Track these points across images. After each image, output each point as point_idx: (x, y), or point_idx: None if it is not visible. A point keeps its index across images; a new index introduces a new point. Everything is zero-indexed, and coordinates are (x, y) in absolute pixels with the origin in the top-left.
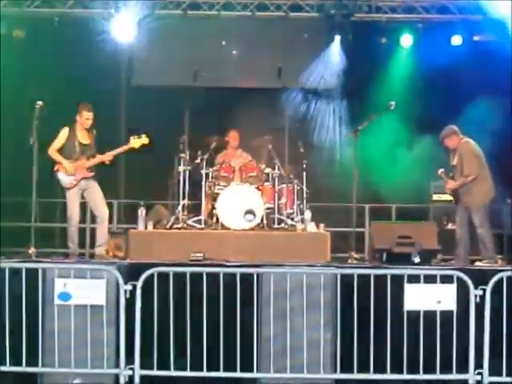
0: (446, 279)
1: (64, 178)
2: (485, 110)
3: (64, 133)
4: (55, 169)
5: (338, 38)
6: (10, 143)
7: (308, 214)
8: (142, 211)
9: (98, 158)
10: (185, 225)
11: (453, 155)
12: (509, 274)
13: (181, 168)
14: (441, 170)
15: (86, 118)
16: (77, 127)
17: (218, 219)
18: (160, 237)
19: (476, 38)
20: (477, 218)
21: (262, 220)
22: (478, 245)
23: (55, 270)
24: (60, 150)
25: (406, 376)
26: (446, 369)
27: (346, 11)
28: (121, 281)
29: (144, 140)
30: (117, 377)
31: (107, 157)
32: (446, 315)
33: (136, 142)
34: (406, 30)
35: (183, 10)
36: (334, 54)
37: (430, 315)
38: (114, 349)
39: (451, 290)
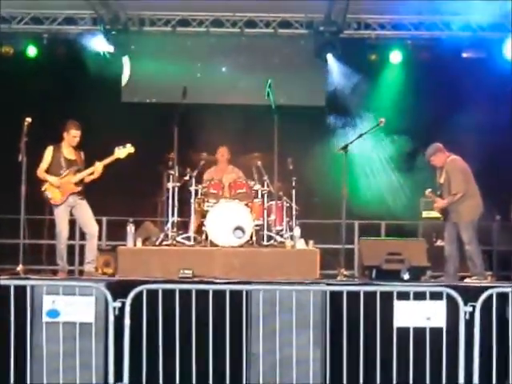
0: (436, 296)
1: (53, 194)
2: (474, 125)
3: (49, 152)
4: (43, 189)
5: (329, 56)
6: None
7: (297, 231)
8: (130, 228)
9: (85, 172)
10: (174, 242)
11: (440, 173)
12: (498, 290)
13: (170, 185)
14: (428, 190)
15: (73, 135)
16: (62, 144)
17: (207, 236)
18: (149, 253)
19: (465, 55)
20: (465, 234)
21: (251, 237)
22: (467, 261)
23: (44, 287)
24: (47, 170)
25: None
26: None
27: (335, 28)
28: (109, 298)
29: (129, 149)
30: None
31: (93, 169)
32: (436, 332)
33: (121, 152)
34: (396, 46)
35: (172, 27)
36: (327, 70)
37: (419, 332)
38: (102, 366)
39: (441, 306)
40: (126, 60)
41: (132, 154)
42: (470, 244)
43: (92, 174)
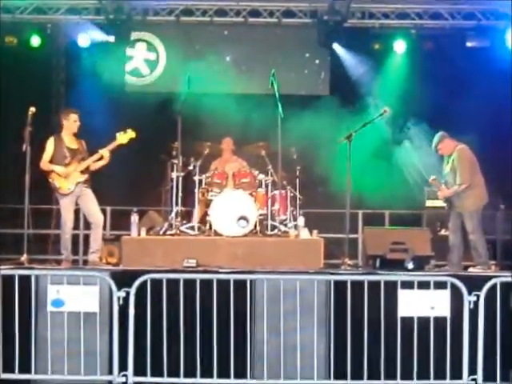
0: (440, 285)
1: (61, 183)
2: (479, 114)
3: (50, 142)
4: (50, 179)
5: (336, 45)
6: (1, 149)
7: (301, 220)
8: (135, 217)
9: (90, 159)
10: (178, 231)
11: (446, 161)
12: (502, 279)
13: (174, 174)
14: (432, 177)
15: (73, 119)
16: (63, 133)
17: (211, 225)
18: (153, 243)
19: (469, 44)
20: (469, 224)
21: (255, 226)
22: (471, 251)
23: (48, 276)
24: (51, 160)
25: (399, 382)
26: (439, 375)
27: (339, 17)
28: (114, 287)
29: (131, 134)
30: (110, 383)
31: (100, 155)
32: (440, 321)
33: (123, 137)
34: (400, 36)
35: (176, 16)
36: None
37: (423, 321)
38: (107, 355)
39: (445, 296)
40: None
41: (134, 139)
42: (474, 233)
43: (100, 159)
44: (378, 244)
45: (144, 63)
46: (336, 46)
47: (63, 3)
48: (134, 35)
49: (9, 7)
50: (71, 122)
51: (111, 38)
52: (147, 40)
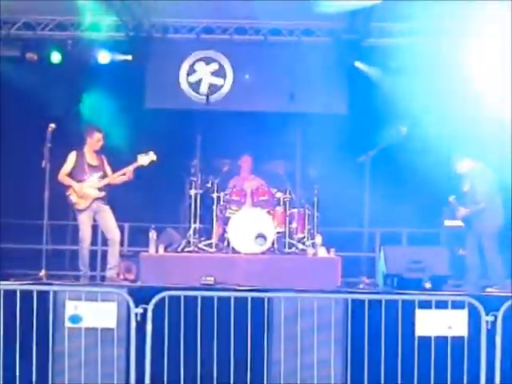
0: (457, 305)
1: (77, 199)
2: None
3: (72, 157)
4: (67, 194)
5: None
6: (22, 165)
7: (319, 239)
8: (153, 234)
9: (109, 179)
10: (196, 248)
11: (465, 181)
12: None
13: (192, 191)
14: (451, 197)
15: (97, 139)
16: (85, 149)
17: (229, 243)
18: (171, 260)
19: None
20: (488, 244)
21: (272, 244)
22: (488, 270)
23: (66, 292)
24: (70, 175)
25: None
26: None
27: (358, 36)
28: (132, 304)
29: (152, 157)
30: None
31: (117, 176)
32: (457, 341)
33: (144, 159)
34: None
35: (196, 34)
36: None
37: (441, 341)
38: (124, 372)
39: (462, 315)
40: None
41: (154, 161)
42: (492, 252)
43: (123, 175)
44: (395, 263)
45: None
46: (357, 64)
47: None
48: (200, 54)
49: (30, 23)
50: (95, 141)
51: (129, 57)
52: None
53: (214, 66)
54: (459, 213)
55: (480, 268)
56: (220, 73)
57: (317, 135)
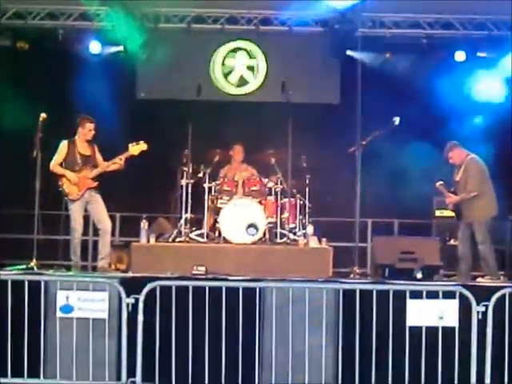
0: (449, 295)
1: (70, 189)
2: (488, 124)
3: (63, 146)
4: (60, 183)
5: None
6: (13, 155)
7: (310, 229)
8: (144, 224)
9: (101, 168)
10: (187, 238)
11: (457, 171)
12: (511, 290)
13: (183, 181)
14: (439, 183)
15: (89, 129)
16: (77, 139)
17: (220, 233)
18: (162, 250)
19: (480, 54)
20: (479, 234)
21: (264, 234)
22: (480, 261)
23: (57, 282)
24: (61, 165)
25: None
26: None
27: (350, 26)
28: (123, 294)
29: (142, 146)
30: None
31: (109, 165)
32: (448, 331)
33: (135, 148)
34: (411, 45)
35: (187, 24)
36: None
37: (432, 331)
38: (115, 361)
39: (453, 306)
40: (140, 56)
41: (145, 150)
42: (483, 244)
43: (114, 164)
44: (387, 253)
45: (248, 71)
46: (349, 52)
47: (75, 9)
48: (234, 44)
49: (21, 12)
50: (86, 131)
51: (120, 47)
52: (246, 48)
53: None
54: (449, 199)
55: (471, 258)
56: None
57: (308, 125)
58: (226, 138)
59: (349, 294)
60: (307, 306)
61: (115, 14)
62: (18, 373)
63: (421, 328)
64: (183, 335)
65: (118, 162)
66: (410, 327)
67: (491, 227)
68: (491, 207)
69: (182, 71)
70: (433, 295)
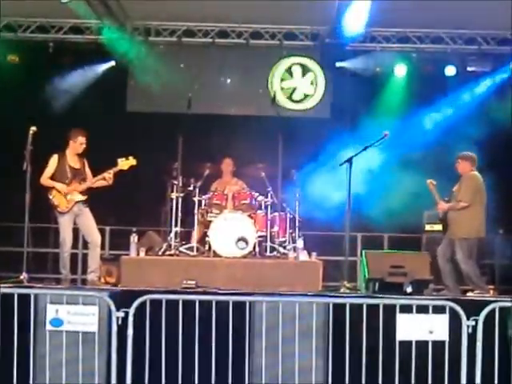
0: (439, 309)
1: (59, 201)
2: (480, 138)
3: (54, 160)
4: (50, 195)
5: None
6: (2, 168)
7: (300, 243)
8: (134, 238)
9: (90, 182)
10: (177, 252)
11: (458, 182)
12: (501, 304)
13: (173, 195)
14: (429, 180)
15: (80, 142)
16: (67, 153)
17: (210, 246)
18: (152, 263)
19: (470, 69)
20: (459, 252)
21: (254, 248)
22: (464, 279)
23: (47, 295)
24: (52, 178)
25: None
26: None
27: (341, 40)
28: (113, 307)
29: (132, 161)
30: None
31: (97, 179)
32: (438, 345)
33: (124, 163)
34: (400, 59)
35: (178, 37)
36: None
37: (422, 345)
38: (105, 375)
39: (443, 320)
40: (131, 70)
41: (134, 166)
42: (464, 264)
43: (103, 179)
44: (377, 267)
45: (310, 86)
46: (339, 63)
47: (66, 22)
48: (289, 61)
49: (12, 25)
50: (77, 145)
51: (112, 63)
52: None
53: None
54: (439, 206)
55: (455, 273)
56: None
57: (299, 138)
58: (216, 152)
59: (339, 308)
60: (297, 319)
61: (107, 27)
62: None
63: (411, 342)
64: (173, 349)
65: (106, 178)
66: (400, 341)
67: (479, 244)
68: (478, 226)
69: (172, 84)
70: (423, 309)
